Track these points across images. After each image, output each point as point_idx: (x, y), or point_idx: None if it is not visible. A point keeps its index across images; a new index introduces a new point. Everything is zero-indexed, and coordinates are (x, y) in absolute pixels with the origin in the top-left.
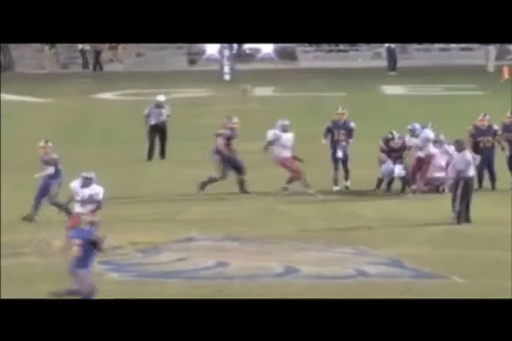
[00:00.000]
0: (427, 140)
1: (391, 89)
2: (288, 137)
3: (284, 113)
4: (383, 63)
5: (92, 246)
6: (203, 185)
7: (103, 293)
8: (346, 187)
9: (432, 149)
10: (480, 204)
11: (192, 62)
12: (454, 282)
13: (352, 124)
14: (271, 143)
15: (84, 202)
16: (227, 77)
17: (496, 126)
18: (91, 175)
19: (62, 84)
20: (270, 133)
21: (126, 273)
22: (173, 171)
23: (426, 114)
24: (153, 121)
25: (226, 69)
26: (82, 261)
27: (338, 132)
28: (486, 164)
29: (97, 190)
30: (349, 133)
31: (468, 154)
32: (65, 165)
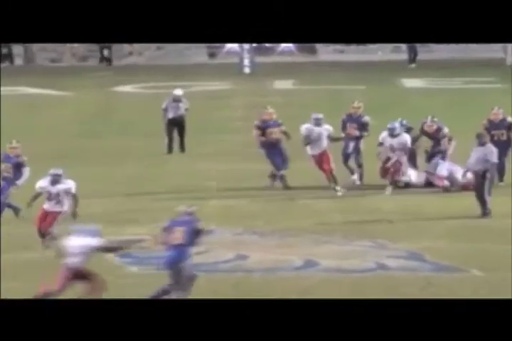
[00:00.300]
0: (404, 144)
1: (411, 82)
2: (321, 131)
3: (304, 106)
4: (403, 56)
5: (195, 235)
6: (273, 180)
7: (124, 287)
8: (353, 182)
9: (403, 156)
10: (498, 197)
11: (212, 55)
12: (473, 275)
13: (366, 118)
14: (306, 137)
15: (57, 197)
16: (247, 70)
17: (510, 119)
18: (59, 171)
19: (82, 77)
20: (303, 128)
21: (146, 267)
22: (193, 164)
23: (445, 107)
24: (171, 115)
25: (246, 62)
26: (184, 252)
27: (350, 125)
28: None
29: (69, 184)
30: (362, 127)
31: (490, 148)
32: (84, 159)
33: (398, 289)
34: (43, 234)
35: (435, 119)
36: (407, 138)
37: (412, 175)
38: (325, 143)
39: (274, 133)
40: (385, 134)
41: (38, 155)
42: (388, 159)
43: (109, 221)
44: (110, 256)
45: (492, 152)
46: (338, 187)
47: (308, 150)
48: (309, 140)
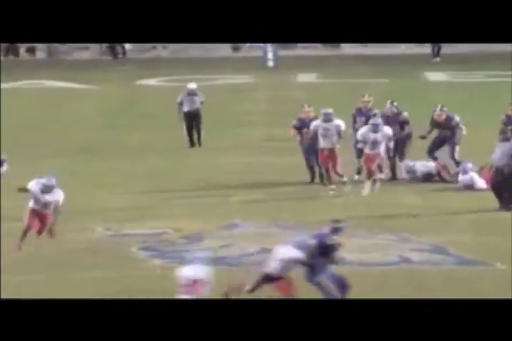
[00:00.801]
0: (387, 136)
1: (434, 76)
2: (329, 127)
3: (328, 99)
4: (427, 50)
5: (324, 250)
6: (321, 178)
7: (146, 280)
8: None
9: (383, 151)
10: None
11: (235, 48)
12: (496, 269)
13: (375, 112)
14: (314, 133)
15: (43, 206)
16: (270, 64)
17: None
18: (51, 182)
19: (106, 71)
20: (312, 125)
21: (170, 260)
22: (215, 158)
23: (467, 101)
24: (186, 109)
25: (270, 55)
26: (314, 267)
27: (359, 119)
28: None
29: (58, 196)
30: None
31: (510, 144)
32: (107, 152)
33: (422, 282)
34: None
35: (444, 109)
36: (389, 130)
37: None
38: (334, 139)
39: (307, 133)
40: (365, 130)
41: (61, 148)
42: (372, 155)
43: (131, 214)
44: (134, 249)
45: None
46: (332, 186)
47: (321, 142)
48: (315, 136)
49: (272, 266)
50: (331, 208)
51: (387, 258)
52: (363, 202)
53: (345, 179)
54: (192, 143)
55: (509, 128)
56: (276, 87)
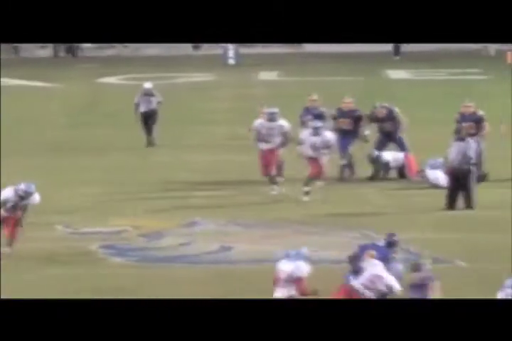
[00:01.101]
0: (327, 143)
1: (396, 74)
2: (273, 126)
3: (289, 97)
4: (388, 48)
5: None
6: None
7: (105, 278)
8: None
9: (324, 157)
10: (482, 188)
11: (196, 46)
12: (457, 266)
13: (323, 110)
14: (257, 133)
15: (16, 209)
16: (231, 62)
17: (481, 113)
18: (31, 189)
19: (67, 69)
20: (256, 123)
21: (129, 258)
22: (178, 156)
23: (429, 99)
24: (143, 109)
25: (230, 53)
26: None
27: (306, 118)
28: None
29: (34, 199)
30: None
31: (470, 142)
32: (70, 150)
33: None
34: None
35: (385, 104)
36: (331, 136)
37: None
38: (278, 139)
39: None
40: (306, 132)
41: (23, 147)
42: (312, 158)
43: (94, 212)
44: (94, 247)
45: (472, 146)
46: (274, 186)
47: (259, 144)
48: (260, 136)
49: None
50: (293, 206)
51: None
52: (325, 199)
53: (281, 179)
54: (150, 143)
55: (462, 125)
56: (237, 85)
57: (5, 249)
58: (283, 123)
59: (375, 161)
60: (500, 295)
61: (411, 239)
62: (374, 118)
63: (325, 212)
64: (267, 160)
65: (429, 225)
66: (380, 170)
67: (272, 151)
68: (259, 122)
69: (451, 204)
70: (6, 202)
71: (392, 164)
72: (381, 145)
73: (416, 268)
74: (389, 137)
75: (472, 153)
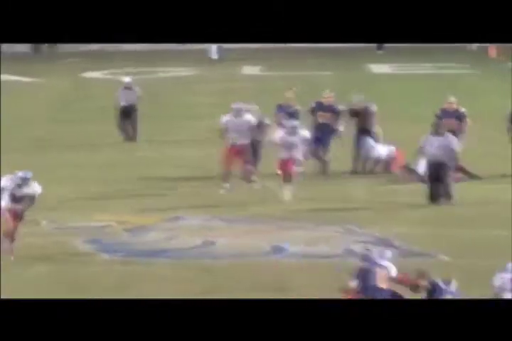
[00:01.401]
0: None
1: (378, 68)
2: (240, 122)
3: (271, 92)
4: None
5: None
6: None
7: (90, 274)
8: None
9: (299, 154)
10: (465, 184)
11: None
12: (440, 260)
13: (296, 108)
14: (224, 129)
15: (18, 200)
16: (214, 56)
17: (463, 110)
18: (28, 175)
19: (49, 63)
20: (223, 119)
21: (114, 253)
22: (162, 150)
23: (412, 93)
24: (123, 103)
25: (214, 48)
26: None
27: (278, 115)
28: None
29: (35, 188)
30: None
31: (450, 137)
32: (55, 145)
33: None
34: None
35: (363, 99)
36: (306, 135)
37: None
38: (246, 135)
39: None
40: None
41: (5, 142)
42: (287, 159)
43: (78, 207)
44: (78, 242)
45: (452, 141)
46: (226, 185)
47: (230, 138)
48: (225, 132)
49: None
50: (277, 201)
51: (331, 251)
52: (308, 195)
53: (254, 178)
54: (127, 138)
55: (443, 122)
56: (220, 80)
57: (4, 245)
58: (250, 118)
59: (366, 155)
60: (497, 277)
61: (395, 234)
62: (353, 113)
63: (307, 207)
64: (231, 156)
65: (413, 220)
66: (365, 164)
67: (240, 147)
68: (225, 118)
69: (433, 198)
70: (3, 189)
71: (383, 158)
72: (359, 140)
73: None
74: (366, 132)
75: (453, 148)
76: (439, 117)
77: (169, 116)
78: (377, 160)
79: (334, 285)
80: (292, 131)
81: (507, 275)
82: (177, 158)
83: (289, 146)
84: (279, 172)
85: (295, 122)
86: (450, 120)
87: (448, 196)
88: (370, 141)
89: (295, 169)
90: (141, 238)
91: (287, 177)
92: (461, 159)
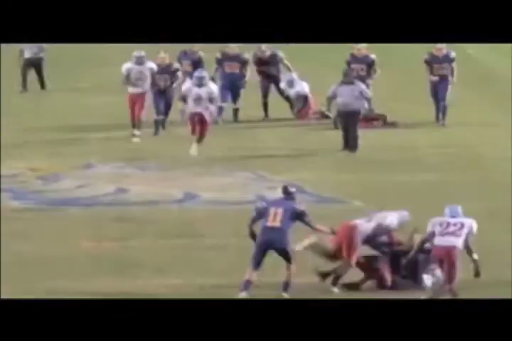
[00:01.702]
0: (212, 93)
1: None
2: (143, 69)
3: None
4: None
5: (294, 218)
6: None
7: (4, 221)
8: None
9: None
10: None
11: None
12: (353, 205)
13: (245, 56)
14: (126, 77)
15: None
16: None
17: (373, 56)
18: None
19: None
20: (124, 66)
21: (27, 201)
22: (74, 99)
23: None
24: (27, 55)
25: None
26: (281, 235)
27: (230, 64)
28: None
29: None
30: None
31: (360, 85)
32: None
33: None
34: None
35: (270, 48)
36: (214, 88)
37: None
38: (147, 83)
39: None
40: (189, 84)
41: None
42: (197, 114)
43: None
44: None
45: (364, 88)
46: (136, 132)
47: (129, 88)
48: (128, 80)
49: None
50: (189, 147)
51: (243, 197)
52: (221, 141)
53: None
54: (25, 87)
55: (435, 67)
56: None
57: None
58: (151, 66)
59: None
60: (433, 221)
61: (306, 180)
62: (258, 62)
63: (220, 154)
64: (134, 103)
65: (325, 166)
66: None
67: (141, 96)
68: (126, 66)
69: (346, 145)
70: None
71: (301, 94)
72: (265, 90)
73: None
74: (272, 81)
75: (364, 96)
76: (348, 62)
77: (82, 63)
78: (297, 97)
79: (244, 232)
80: (200, 83)
81: (445, 220)
82: (87, 105)
83: (197, 99)
84: (189, 124)
85: (204, 73)
86: (359, 66)
87: (354, 143)
88: (283, 83)
89: (204, 126)
90: (53, 186)
91: (196, 133)
92: (376, 106)
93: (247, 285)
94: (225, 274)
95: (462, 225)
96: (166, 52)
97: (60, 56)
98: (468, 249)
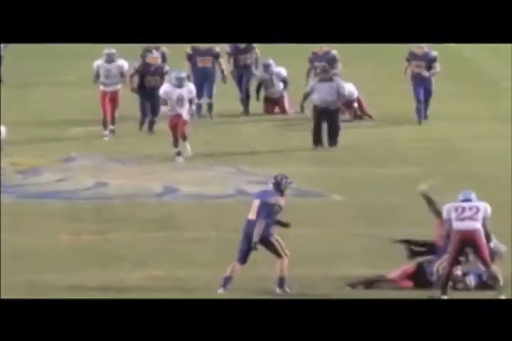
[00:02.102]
0: (190, 93)
1: None
2: (111, 68)
3: None
4: None
5: (267, 209)
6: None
7: None
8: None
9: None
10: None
11: None
12: (332, 199)
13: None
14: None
15: None
16: None
17: (334, 52)
18: None
19: None
20: (94, 64)
21: (8, 195)
22: (56, 92)
23: None
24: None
25: None
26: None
27: (203, 59)
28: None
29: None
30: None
31: (338, 81)
32: None
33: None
34: None
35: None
36: (192, 87)
37: None
38: (118, 81)
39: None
40: (168, 87)
41: None
42: (178, 115)
43: None
44: None
45: (342, 85)
46: (105, 132)
47: (100, 86)
48: (99, 77)
49: None
50: (169, 141)
51: (223, 191)
52: (202, 135)
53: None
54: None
55: (412, 63)
56: None
57: None
58: (122, 63)
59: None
60: (447, 207)
61: (287, 174)
62: (234, 53)
63: (200, 148)
64: (104, 101)
65: (305, 160)
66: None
67: (115, 93)
68: (97, 63)
69: (317, 140)
70: None
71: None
72: (240, 79)
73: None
74: (246, 70)
75: (342, 92)
76: (311, 60)
77: (63, 56)
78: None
79: (226, 225)
80: (180, 84)
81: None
82: (69, 98)
83: (179, 100)
84: (169, 129)
85: (183, 73)
86: (320, 63)
87: (334, 139)
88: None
89: (184, 126)
90: (34, 179)
91: (181, 136)
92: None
93: (226, 281)
94: (205, 266)
95: (478, 209)
96: (158, 50)
97: (44, 48)
98: (486, 234)
